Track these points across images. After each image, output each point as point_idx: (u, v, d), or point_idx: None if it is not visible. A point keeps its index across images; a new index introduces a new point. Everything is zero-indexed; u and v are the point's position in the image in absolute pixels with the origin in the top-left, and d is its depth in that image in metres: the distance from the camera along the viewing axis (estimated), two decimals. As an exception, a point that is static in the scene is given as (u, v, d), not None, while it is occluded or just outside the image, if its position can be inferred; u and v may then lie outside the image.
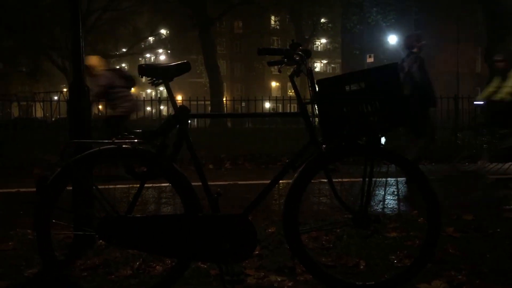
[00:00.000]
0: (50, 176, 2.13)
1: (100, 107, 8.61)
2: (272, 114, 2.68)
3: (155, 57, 49.78)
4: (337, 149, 2.28)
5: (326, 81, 2.23)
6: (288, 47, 2.25)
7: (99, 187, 2.18)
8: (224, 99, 20.57)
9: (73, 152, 2.16)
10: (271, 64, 2.36)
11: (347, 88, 2.21)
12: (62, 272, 2.16)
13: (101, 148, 2.15)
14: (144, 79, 2.26)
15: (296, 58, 2.23)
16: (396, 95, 2.19)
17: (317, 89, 2.22)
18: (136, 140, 2.16)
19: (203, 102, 9.99)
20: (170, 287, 2.24)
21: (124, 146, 2.15)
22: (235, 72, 58.63)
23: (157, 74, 2.21)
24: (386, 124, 2.19)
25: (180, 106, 2.21)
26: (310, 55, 2.28)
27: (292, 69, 2.28)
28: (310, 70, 2.20)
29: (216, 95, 21.71)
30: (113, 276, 2.58)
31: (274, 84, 58.47)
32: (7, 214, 4.20)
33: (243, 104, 10.47)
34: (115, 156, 2.18)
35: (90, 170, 2.35)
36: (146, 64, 2.23)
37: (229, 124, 17.22)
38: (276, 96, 9.58)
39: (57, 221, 2.16)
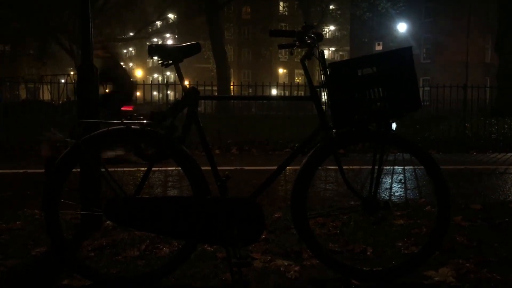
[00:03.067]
0: (58, 156, 2.12)
1: (107, 90, 8.61)
2: (283, 97, 2.66)
3: (162, 42, 49.63)
4: (347, 134, 2.25)
5: (338, 64, 2.19)
6: (300, 30, 2.22)
7: (108, 168, 2.18)
8: (231, 84, 20.49)
9: (82, 133, 2.15)
10: (282, 47, 2.32)
11: (359, 72, 2.18)
12: (69, 252, 2.17)
13: (110, 128, 2.14)
14: (151, 62, 2.23)
15: (308, 41, 2.20)
16: (409, 80, 2.16)
17: (328, 73, 2.19)
18: (145, 121, 2.15)
19: (210, 88, 9.95)
20: (176, 269, 2.24)
21: (133, 127, 2.14)
22: (242, 58, 58.36)
23: (167, 54, 2.19)
24: (398, 110, 2.16)
25: (189, 87, 2.19)
26: (322, 38, 2.25)
27: (303, 53, 2.24)
28: (322, 54, 2.16)
29: (223, 80, 21.65)
30: (120, 257, 2.59)
31: (281, 70, 58.20)
32: (15, 195, 4.22)
33: (250, 90, 10.42)
34: (123, 137, 2.17)
35: (98, 151, 2.35)
36: (156, 45, 2.21)
37: (235, 110, 17.16)
38: (284, 82, 9.52)
39: (66, 201, 2.16)
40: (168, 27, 43.99)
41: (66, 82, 9.70)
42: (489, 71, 29.90)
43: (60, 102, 11.63)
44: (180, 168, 2.18)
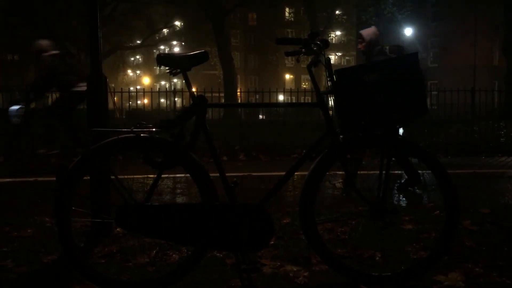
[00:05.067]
0: (69, 164, 2.16)
1: (115, 98, 8.66)
2: (289, 104, 2.69)
3: (169, 49, 49.88)
4: (354, 140, 2.27)
5: (344, 71, 2.21)
6: (306, 37, 2.24)
7: (118, 175, 2.21)
8: (238, 91, 20.54)
9: (92, 141, 2.18)
10: (288, 54, 2.35)
11: (366, 78, 2.19)
12: (80, 258, 2.19)
13: (119, 137, 2.17)
14: (158, 70, 2.26)
15: (314, 48, 2.22)
16: (416, 85, 2.17)
17: (335, 79, 2.21)
18: (154, 129, 2.18)
19: (217, 94, 9.99)
20: (186, 275, 2.26)
21: (142, 135, 2.17)
22: (249, 64, 58.54)
23: (175, 63, 2.22)
24: (405, 115, 2.18)
25: (198, 95, 2.22)
26: (328, 45, 2.27)
27: (309, 59, 2.26)
28: (329, 60, 2.19)
29: (230, 87, 21.68)
30: (130, 264, 2.62)
31: (288, 76, 58.31)
32: (26, 203, 4.26)
33: (257, 96, 10.45)
34: (133, 145, 2.20)
35: (108, 159, 2.38)
36: (164, 54, 2.24)
37: (242, 116, 17.22)
38: (291, 88, 9.55)
39: (76, 208, 2.19)
40: (175, 34, 44.21)
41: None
42: (497, 74, 29.72)
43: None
44: (189, 174, 2.20)
